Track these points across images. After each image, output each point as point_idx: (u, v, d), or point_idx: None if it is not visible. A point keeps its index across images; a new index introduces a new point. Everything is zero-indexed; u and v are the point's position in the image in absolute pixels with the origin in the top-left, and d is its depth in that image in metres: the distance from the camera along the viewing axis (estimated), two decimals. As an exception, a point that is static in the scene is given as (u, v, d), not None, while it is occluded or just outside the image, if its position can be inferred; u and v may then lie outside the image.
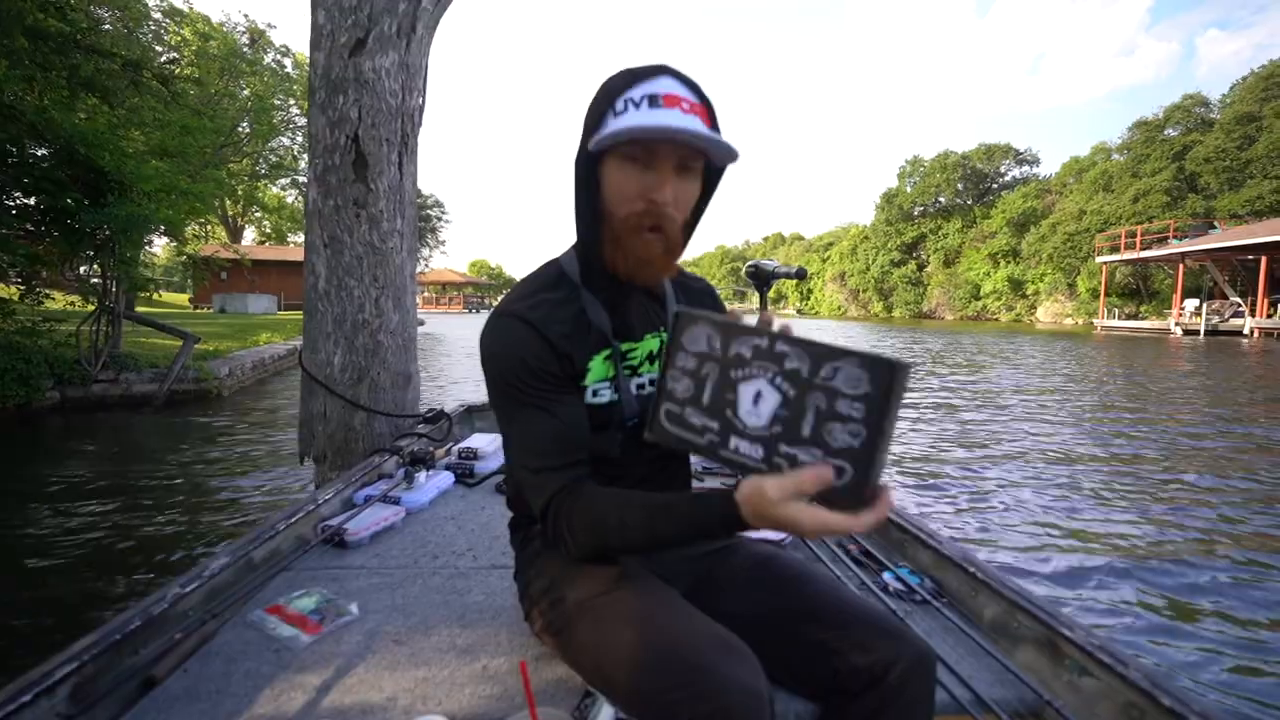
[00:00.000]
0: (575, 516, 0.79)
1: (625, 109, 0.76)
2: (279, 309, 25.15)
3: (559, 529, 0.81)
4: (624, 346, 0.91)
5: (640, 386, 0.93)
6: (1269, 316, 21.47)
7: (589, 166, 0.81)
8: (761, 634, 0.79)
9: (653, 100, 0.75)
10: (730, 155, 0.79)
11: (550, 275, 0.91)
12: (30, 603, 2.36)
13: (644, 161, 0.77)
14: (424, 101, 2.43)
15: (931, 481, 4.12)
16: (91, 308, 6.41)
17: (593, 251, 0.86)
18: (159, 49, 15.25)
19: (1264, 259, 21.74)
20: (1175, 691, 0.83)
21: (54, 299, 6.78)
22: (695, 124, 0.75)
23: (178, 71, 11.49)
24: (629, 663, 0.73)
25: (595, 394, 0.89)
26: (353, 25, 2.17)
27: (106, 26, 11.30)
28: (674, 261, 0.86)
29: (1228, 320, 22.62)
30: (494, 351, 0.85)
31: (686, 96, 0.77)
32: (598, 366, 0.89)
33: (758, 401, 0.66)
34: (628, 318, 0.92)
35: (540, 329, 0.84)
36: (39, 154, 5.97)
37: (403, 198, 2.34)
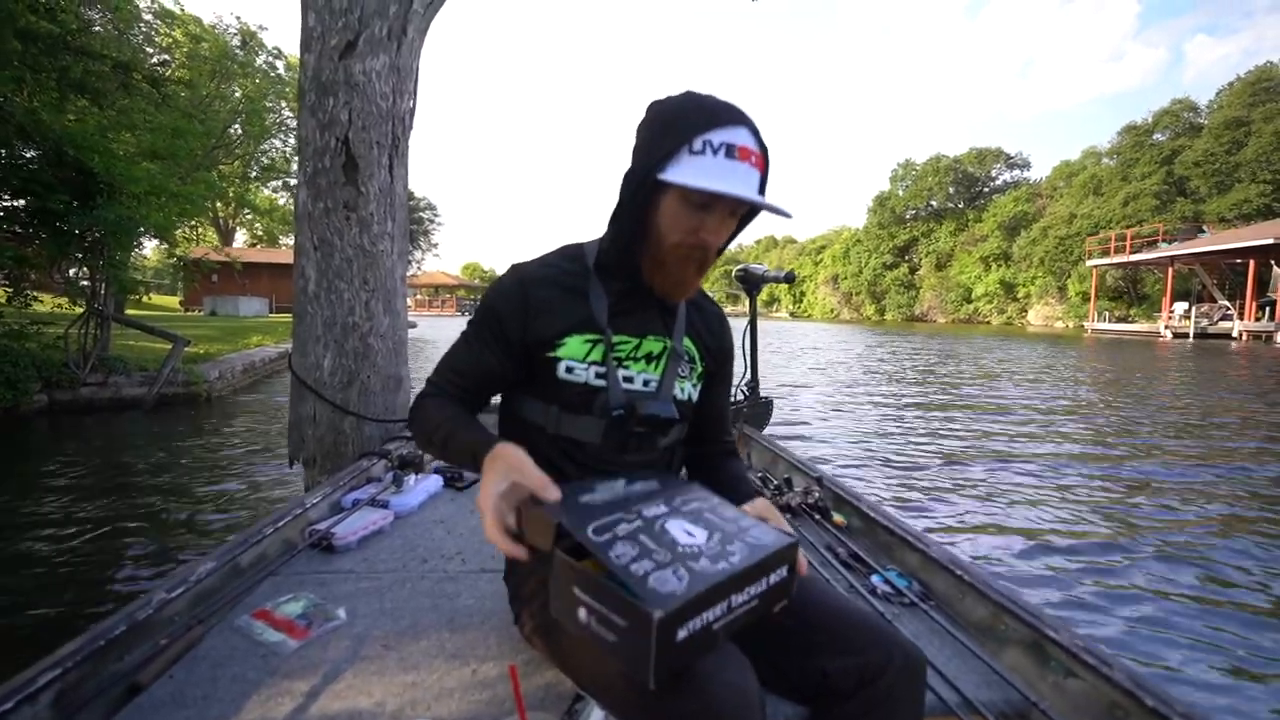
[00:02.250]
0: (424, 408, 0.94)
1: (704, 150, 0.81)
2: (270, 311, 24.98)
3: (414, 410, 0.97)
4: (616, 338, 0.94)
5: (629, 379, 0.95)
6: (1257, 320, 21.70)
7: (647, 186, 0.85)
8: (751, 636, 0.79)
9: (729, 151, 0.81)
10: (784, 216, 0.87)
11: (571, 251, 1.00)
12: (12, 608, 2.33)
13: (705, 205, 0.84)
14: (415, 104, 2.43)
15: (920, 485, 4.14)
16: (80, 310, 6.35)
17: (623, 258, 0.92)
18: (149, 51, 15.14)
19: (1252, 262, 21.99)
20: (1158, 692, 0.84)
21: (42, 301, 6.72)
22: (756, 180, 0.84)
23: (168, 73, 11.40)
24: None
25: (570, 370, 0.92)
26: (343, 28, 2.16)
27: (97, 28, 11.22)
28: (699, 284, 0.96)
29: (1216, 323, 22.84)
30: (487, 291, 0.98)
31: (755, 150, 0.84)
32: (575, 344, 0.92)
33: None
34: (629, 314, 0.95)
35: (528, 287, 0.94)
36: (28, 155, 5.91)
37: (393, 201, 2.33)
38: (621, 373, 0.94)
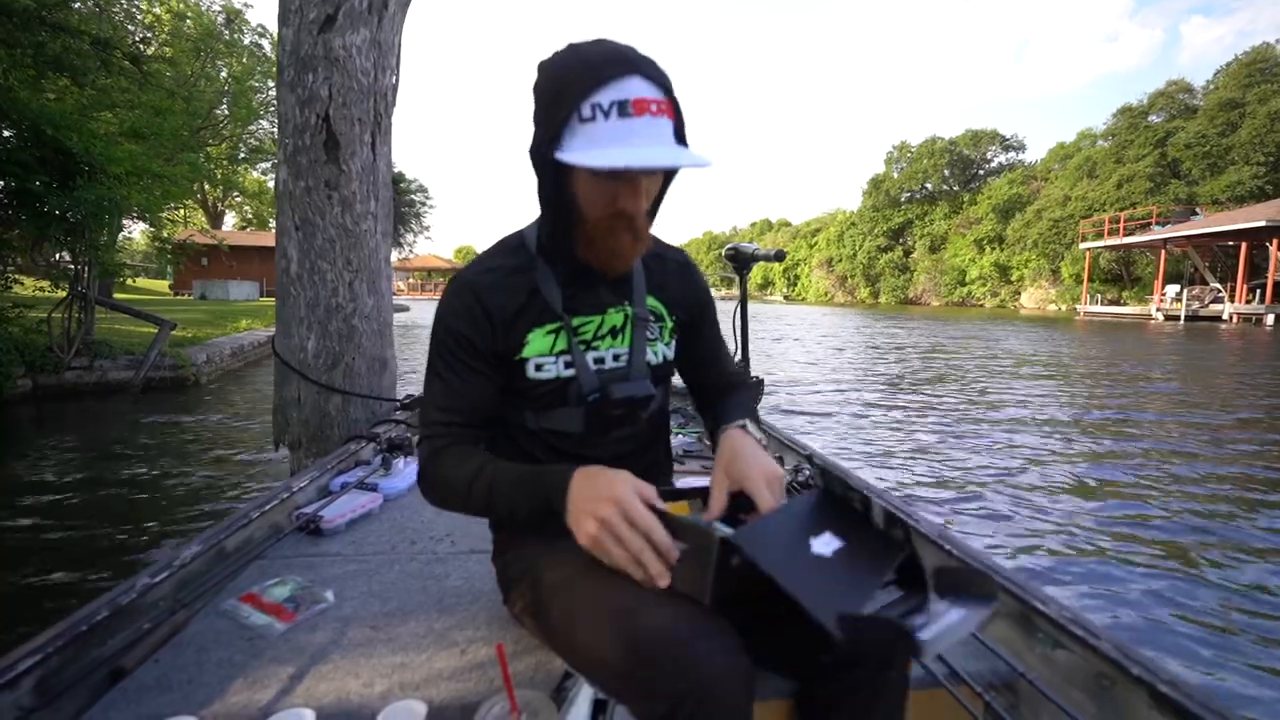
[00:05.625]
0: (440, 468, 0.86)
1: (593, 116, 0.73)
2: (260, 295, 24.77)
3: (425, 475, 0.89)
4: (576, 321, 0.91)
5: (599, 360, 0.92)
6: (1248, 302, 21.86)
7: (552, 165, 0.78)
8: (740, 611, 0.79)
9: (622, 109, 0.73)
10: (702, 166, 0.78)
11: (510, 244, 0.94)
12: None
13: (615, 174, 0.77)
14: (398, 80, 2.37)
15: (908, 460, 4.17)
16: (62, 294, 6.25)
17: (557, 238, 0.87)
18: (131, 28, 14.75)
19: (1244, 245, 22.08)
20: (1144, 661, 0.84)
21: (23, 284, 6.61)
22: (663, 129, 0.76)
23: (150, 51, 11.12)
24: (607, 642, 0.72)
25: (539, 368, 0.89)
26: (322, 1, 2.10)
27: (76, 4, 10.91)
28: (643, 247, 0.87)
29: (1208, 306, 23.01)
30: (438, 314, 0.91)
31: (654, 97, 0.75)
32: (538, 340, 0.89)
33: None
34: (586, 291, 0.92)
35: (483, 298, 0.88)
36: (5, 135, 5.77)
37: (376, 179, 2.29)
38: (590, 355, 0.91)
